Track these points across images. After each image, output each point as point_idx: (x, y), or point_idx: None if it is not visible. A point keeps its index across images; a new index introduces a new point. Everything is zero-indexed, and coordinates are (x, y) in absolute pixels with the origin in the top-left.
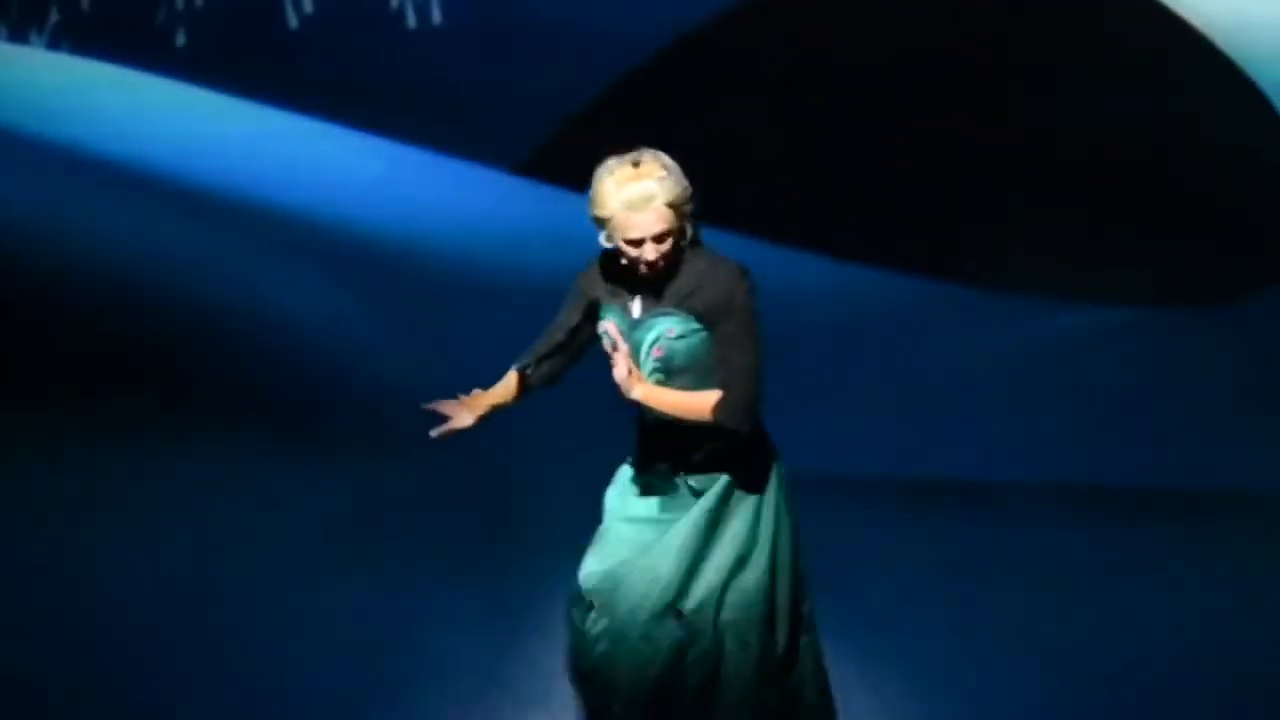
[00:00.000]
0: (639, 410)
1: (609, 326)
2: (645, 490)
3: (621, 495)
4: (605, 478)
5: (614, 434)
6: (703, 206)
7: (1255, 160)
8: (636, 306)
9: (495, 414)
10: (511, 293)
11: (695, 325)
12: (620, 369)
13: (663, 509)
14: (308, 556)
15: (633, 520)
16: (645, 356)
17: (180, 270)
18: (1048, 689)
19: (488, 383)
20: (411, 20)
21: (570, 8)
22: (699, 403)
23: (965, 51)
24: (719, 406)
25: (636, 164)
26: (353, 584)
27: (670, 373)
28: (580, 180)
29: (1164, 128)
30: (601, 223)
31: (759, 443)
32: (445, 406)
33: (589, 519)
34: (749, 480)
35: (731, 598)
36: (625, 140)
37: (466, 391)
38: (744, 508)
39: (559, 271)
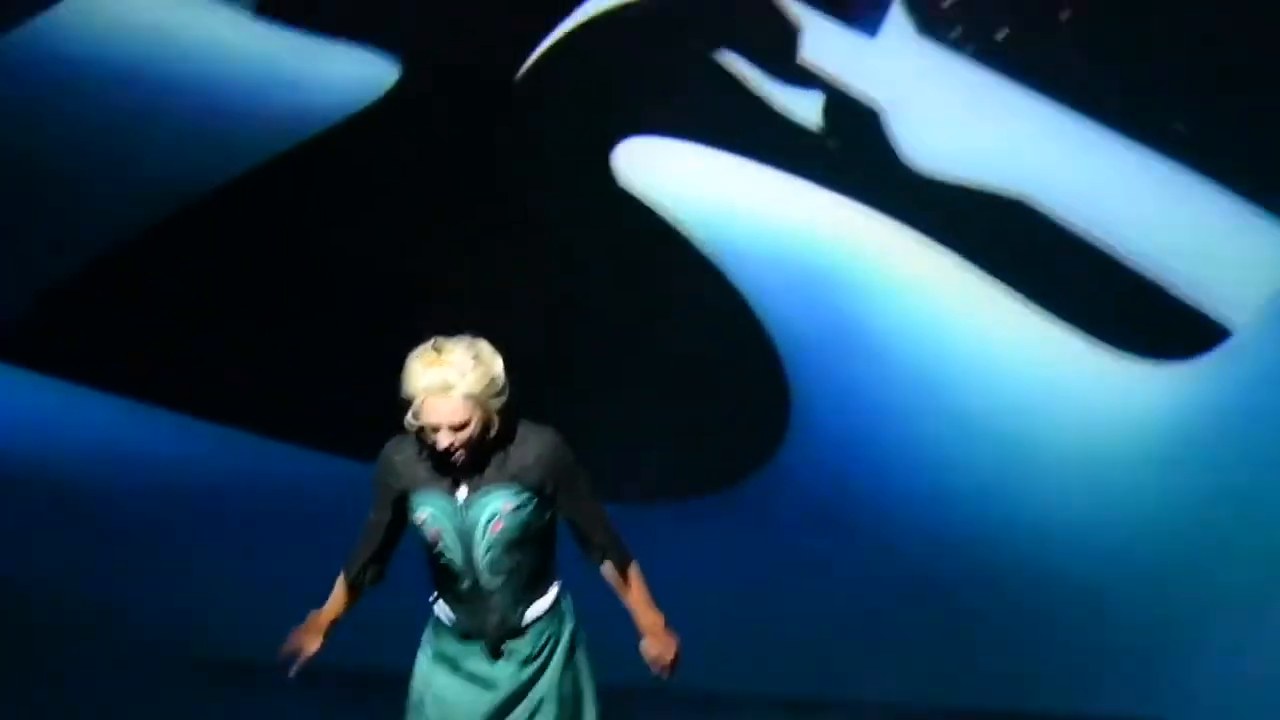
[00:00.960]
0: (454, 586)
1: None
2: (461, 659)
3: (436, 666)
4: None
5: None
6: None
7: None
8: (461, 489)
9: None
10: None
11: (528, 495)
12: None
13: (486, 675)
14: None
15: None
16: (483, 535)
17: None
18: None
19: None
20: None
21: None
22: (637, 578)
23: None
24: (624, 563)
25: (439, 350)
26: None
27: (508, 545)
28: None
29: None
30: (408, 402)
31: (566, 603)
32: (293, 644)
33: None
34: (561, 640)
35: None
36: None
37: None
38: (556, 666)
39: None
